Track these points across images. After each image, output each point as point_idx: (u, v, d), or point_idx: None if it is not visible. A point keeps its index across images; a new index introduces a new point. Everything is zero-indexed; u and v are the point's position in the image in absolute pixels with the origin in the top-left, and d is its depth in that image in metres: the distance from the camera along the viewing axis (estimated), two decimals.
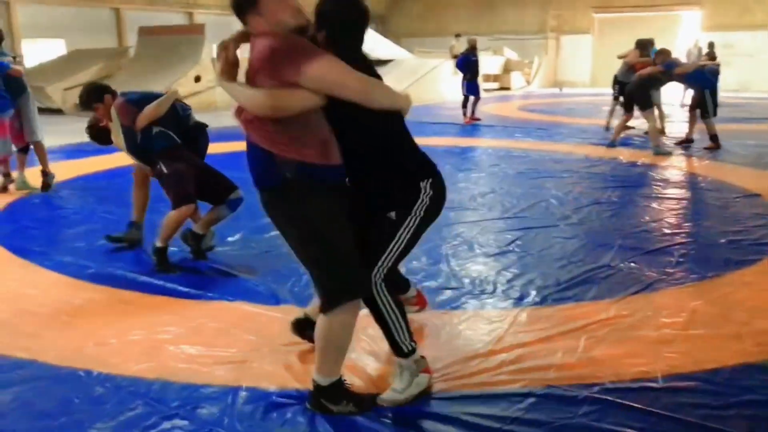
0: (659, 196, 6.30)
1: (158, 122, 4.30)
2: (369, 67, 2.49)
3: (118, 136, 4.40)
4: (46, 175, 6.61)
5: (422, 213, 2.59)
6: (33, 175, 6.69)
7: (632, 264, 4.20)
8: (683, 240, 4.77)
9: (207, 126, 4.74)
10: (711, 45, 15.85)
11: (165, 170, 4.23)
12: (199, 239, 4.38)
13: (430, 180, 2.61)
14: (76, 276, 4.05)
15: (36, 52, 17.97)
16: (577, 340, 3.08)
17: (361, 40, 2.52)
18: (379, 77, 2.50)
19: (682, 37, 23.39)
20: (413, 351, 2.64)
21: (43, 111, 14.81)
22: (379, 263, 2.53)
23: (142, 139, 4.30)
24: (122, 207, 5.43)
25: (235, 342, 3.11)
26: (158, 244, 4.18)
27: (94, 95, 4.44)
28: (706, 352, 2.97)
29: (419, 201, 2.58)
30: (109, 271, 4.14)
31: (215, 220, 4.42)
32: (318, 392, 2.53)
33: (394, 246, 2.56)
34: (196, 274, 4.12)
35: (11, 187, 6.52)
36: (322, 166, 2.36)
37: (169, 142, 4.34)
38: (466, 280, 3.93)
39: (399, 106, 2.47)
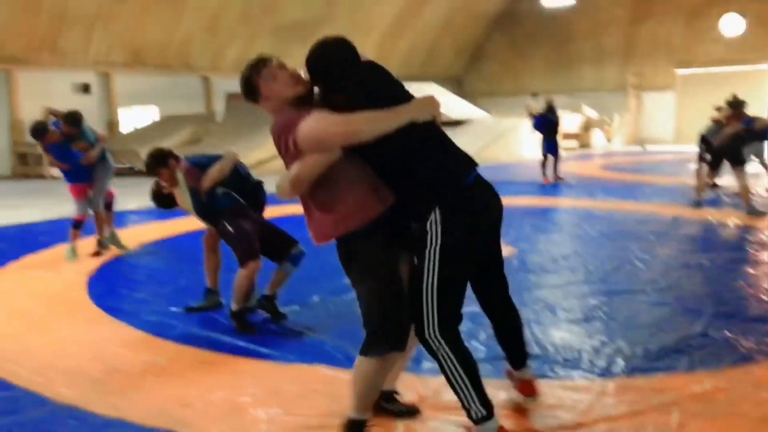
0: (754, 259, 5.99)
1: (222, 183, 4.46)
2: (373, 93, 2.42)
3: (184, 198, 4.56)
4: (99, 243, 6.79)
5: (437, 248, 2.38)
6: (123, 237, 7.03)
7: (728, 333, 3.97)
8: None
9: (263, 183, 4.88)
10: None
11: (230, 229, 4.37)
12: (272, 300, 4.47)
13: (439, 208, 2.38)
14: (163, 335, 4.18)
15: (132, 117, 19.18)
16: (670, 415, 2.91)
17: (354, 75, 2.47)
18: (409, 96, 2.45)
19: None
20: (485, 418, 2.44)
21: (136, 173, 15.70)
22: (425, 317, 2.42)
23: (207, 199, 4.45)
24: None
25: (314, 406, 3.11)
26: (234, 307, 4.29)
27: (159, 161, 4.56)
28: None
29: (428, 236, 2.39)
30: (194, 332, 4.26)
31: (283, 279, 4.50)
32: (344, 423, 2.57)
33: (427, 296, 2.40)
34: (275, 336, 4.18)
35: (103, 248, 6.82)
36: (375, 217, 2.42)
37: (233, 201, 4.50)
38: (550, 347, 3.82)
39: (408, 120, 2.34)
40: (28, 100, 17.09)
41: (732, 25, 23.66)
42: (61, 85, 17.90)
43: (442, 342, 2.41)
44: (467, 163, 2.52)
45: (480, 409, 2.44)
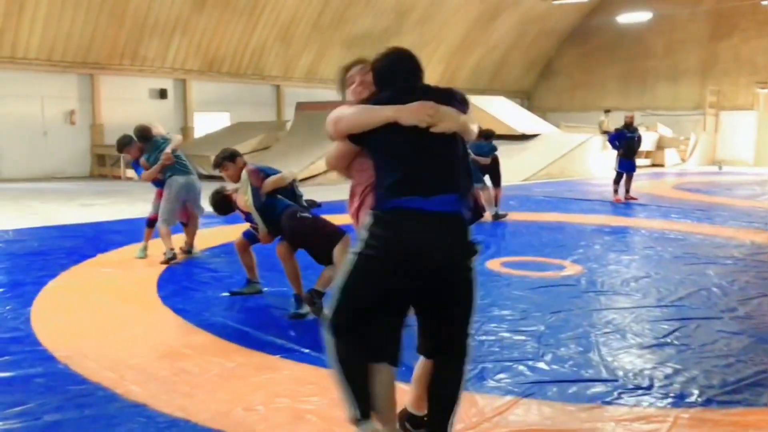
0: None
1: (280, 193, 4.97)
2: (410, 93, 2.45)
3: (246, 197, 4.95)
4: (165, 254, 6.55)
5: (357, 253, 2.41)
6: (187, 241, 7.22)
7: None
8: None
9: (319, 205, 5.33)
10: None
11: (307, 215, 4.81)
12: (321, 297, 4.56)
13: (373, 214, 2.41)
14: (228, 338, 4.25)
15: (206, 123, 19.76)
16: None
17: (398, 79, 2.55)
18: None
19: None
20: (358, 421, 2.47)
21: (206, 178, 16.08)
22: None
23: (267, 200, 4.90)
24: (272, 271, 5.70)
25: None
26: (320, 289, 4.57)
27: (228, 155, 5.21)
28: None
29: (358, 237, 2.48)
30: (259, 336, 4.30)
31: (331, 280, 4.61)
32: None
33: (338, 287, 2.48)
34: None
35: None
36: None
37: (293, 204, 4.95)
38: (620, 372, 3.68)
39: (386, 118, 2.36)
40: (108, 105, 17.84)
41: None
42: (140, 91, 18.58)
43: (330, 333, 2.46)
44: (430, 188, 2.35)
45: (355, 410, 2.47)
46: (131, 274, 6.16)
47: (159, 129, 7.13)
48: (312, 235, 4.67)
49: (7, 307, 4.95)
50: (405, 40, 22.95)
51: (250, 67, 20.43)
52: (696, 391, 3.42)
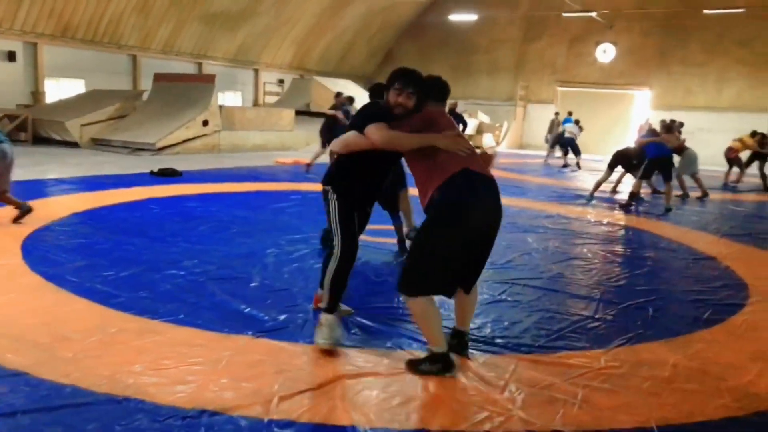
0: (627, 254, 6.37)
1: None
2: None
3: None
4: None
5: None
6: (54, 206, 6.54)
7: (613, 317, 4.21)
8: (653, 297, 4.78)
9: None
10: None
11: None
12: None
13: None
14: (107, 304, 3.92)
15: (58, 90, 17.87)
16: (576, 388, 3.05)
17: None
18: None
19: (635, 113, 24.11)
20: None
21: (61, 144, 14.62)
22: None
23: None
24: (140, 237, 5.34)
25: (261, 374, 3.02)
26: None
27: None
28: (692, 405, 2.96)
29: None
30: (137, 302, 4.01)
31: None
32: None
33: None
34: (217, 311, 4.02)
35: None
36: None
37: None
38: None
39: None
40: None
41: (605, 53, 25.05)
42: None
43: None
44: None
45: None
46: None
47: None
48: None
49: None
50: (261, 21, 22.20)
51: (106, 35, 18.71)
52: (530, 341, 3.70)
